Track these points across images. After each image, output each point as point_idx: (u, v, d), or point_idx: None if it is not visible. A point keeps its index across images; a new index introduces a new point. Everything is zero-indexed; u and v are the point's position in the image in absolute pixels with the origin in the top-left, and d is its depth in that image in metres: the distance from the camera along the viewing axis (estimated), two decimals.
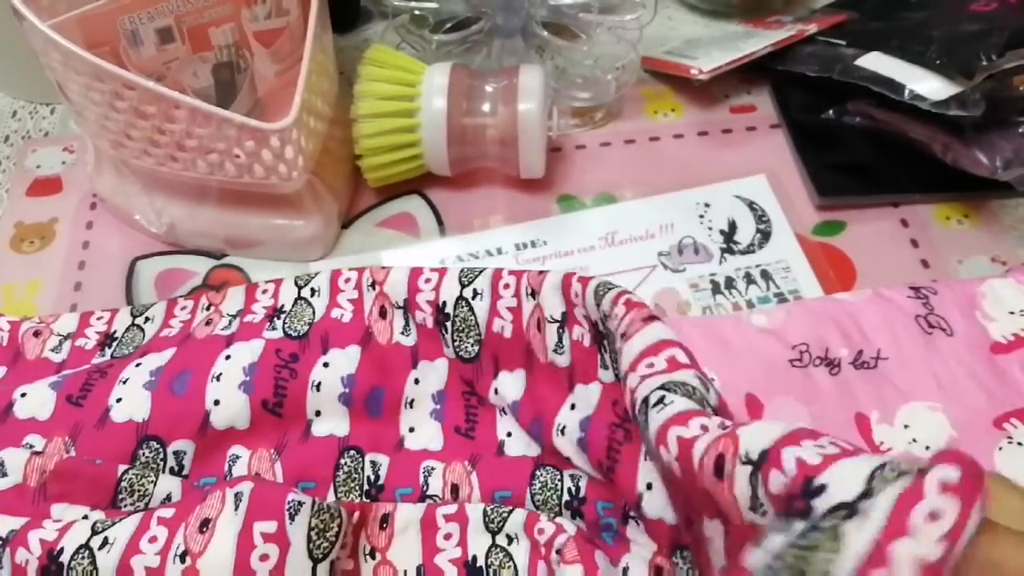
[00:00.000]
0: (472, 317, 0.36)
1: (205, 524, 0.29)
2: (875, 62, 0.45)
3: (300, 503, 0.29)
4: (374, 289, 0.38)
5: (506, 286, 0.36)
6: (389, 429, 0.36)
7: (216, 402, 0.34)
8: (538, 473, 0.34)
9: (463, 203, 0.47)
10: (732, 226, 0.45)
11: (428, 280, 0.37)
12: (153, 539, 0.29)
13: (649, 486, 0.30)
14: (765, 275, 0.42)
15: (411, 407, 0.36)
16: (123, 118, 0.38)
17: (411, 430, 0.36)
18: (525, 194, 0.47)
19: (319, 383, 0.35)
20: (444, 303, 0.37)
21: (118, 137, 0.40)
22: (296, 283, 0.39)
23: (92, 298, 0.43)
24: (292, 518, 0.29)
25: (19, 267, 0.45)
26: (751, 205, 0.46)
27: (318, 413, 0.35)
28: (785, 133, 0.49)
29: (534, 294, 0.35)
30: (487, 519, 0.32)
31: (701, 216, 0.45)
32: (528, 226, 0.45)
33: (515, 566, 0.31)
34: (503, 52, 0.50)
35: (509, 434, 0.35)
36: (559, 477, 0.34)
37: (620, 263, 0.43)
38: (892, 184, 0.46)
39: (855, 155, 0.47)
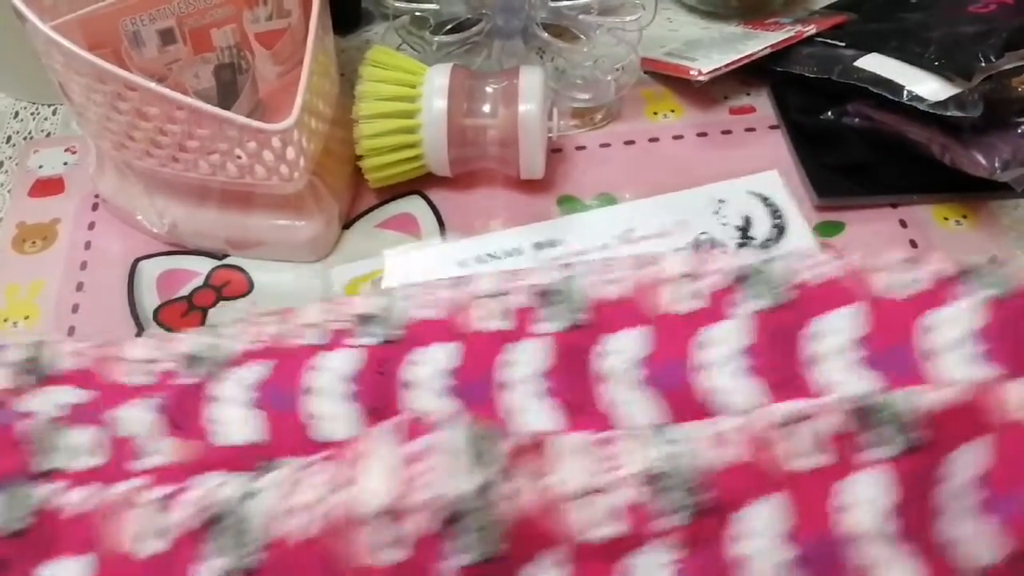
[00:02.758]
0: (573, 291, 0.37)
1: (358, 459, 0.29)
2: (874, 63, 0.45)
3: (454, 419, 0.29)
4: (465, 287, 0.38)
5: (615, 260, 0.38)
6: (493, 416, 0.35)
7: (319, 415, 0.34)
8: None
9: (464, 204, 0.47)
10: (747, 222, 0.45)
11: (518, 274, 0.38)
12: (310, 475, 0.29)
13: None
14: None
15: (510, 390, 0.35)
16: (125, 119, 0.38)
17: (515, 411, 0.35)
18: (525, 195, 0.47)
19: (415, 383, 0.35)
20: (545, 284, 0.38)
21: (120, 138, 0.40)
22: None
23: (94, 298, 0.43)
24: (448, 430, 0.29)
25: (21, 267, 0.45)
26: (765, 201, 0.46)
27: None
28: (784, 134, 0.49)
29: (647, 266, 0.37)
30: (644, 436, 0.31)
31: (716, 212, 0.45)
32: (545, 225, 0.45)
33: (691, 456, 0.30)
34: (503, 53, 0.50)
35: (619, 401, 0.35)
36: None
37: None
38: (891, 185, 0.46)
39: (854, 156, 0.47)
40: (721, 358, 0.34)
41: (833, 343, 0.34)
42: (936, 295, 0.33)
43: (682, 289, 0.36)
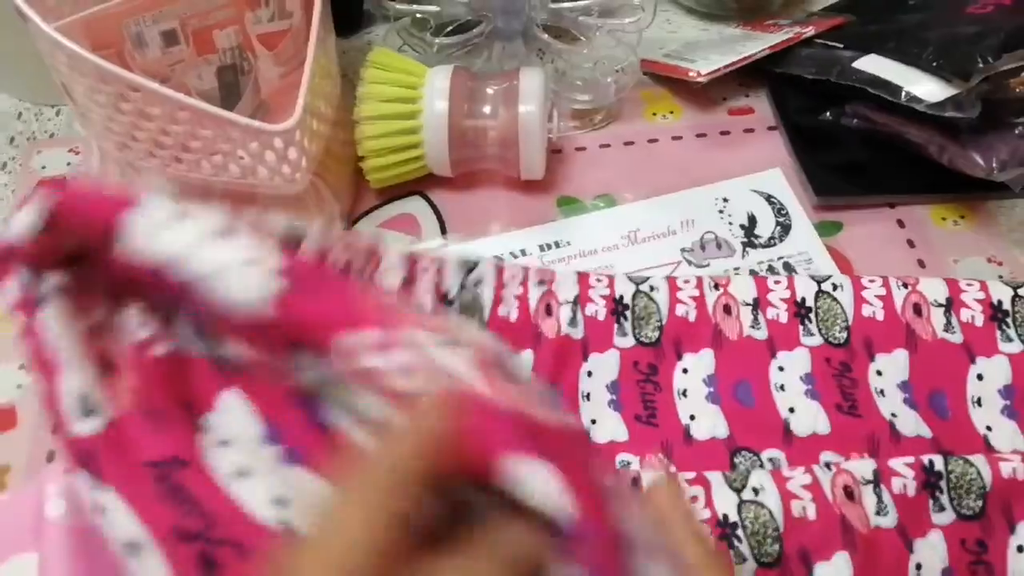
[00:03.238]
0: (653, 305, 0.38)
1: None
2: (872, 64, 0.46)
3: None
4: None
5: (686, 281, 0.39)
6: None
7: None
8: (737, 461, 0.34)
9: (464, 204, 0.47)
10: (752, 220, 0.45)
11: (600, 280, 0.39)
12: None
13: None
14: (788, 267, 0.43)
15: (588, 400, 0.36)
16: (128, 120, 0.39)
17: (593, 422, 0.36)
18: (526, 195, 0.47)
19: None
20: (621, 296, 0.38)
21: (123, 139, 0.40)
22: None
23: None
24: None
25: None
26: (768, 199, 0.46)
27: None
28: (783, 135, 0.50)
29: (717, 287, 0.38)
30: (729, 480, 0.33)
31: (720, 211, 0.46)
32: (550, 227, 0.46)
33: (769, 511, 0.31)
34: (504, 55, 0.50)
35: (692, 416, 0.36)
36: (759, 462, 0.34)
37: (644, 260, 0.44)
38: (889, 185, 0.46)
39: (852, 156, 0.47)
40: (789, 383, 0.36)
41: (889, 382, 0.36)
42: (982, 340, 0.36)
43: (749, 317, 0.38)
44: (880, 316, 0.37)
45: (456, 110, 0.44)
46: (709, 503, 0.32)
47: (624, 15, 0.50)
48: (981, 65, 0.41)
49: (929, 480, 0.32)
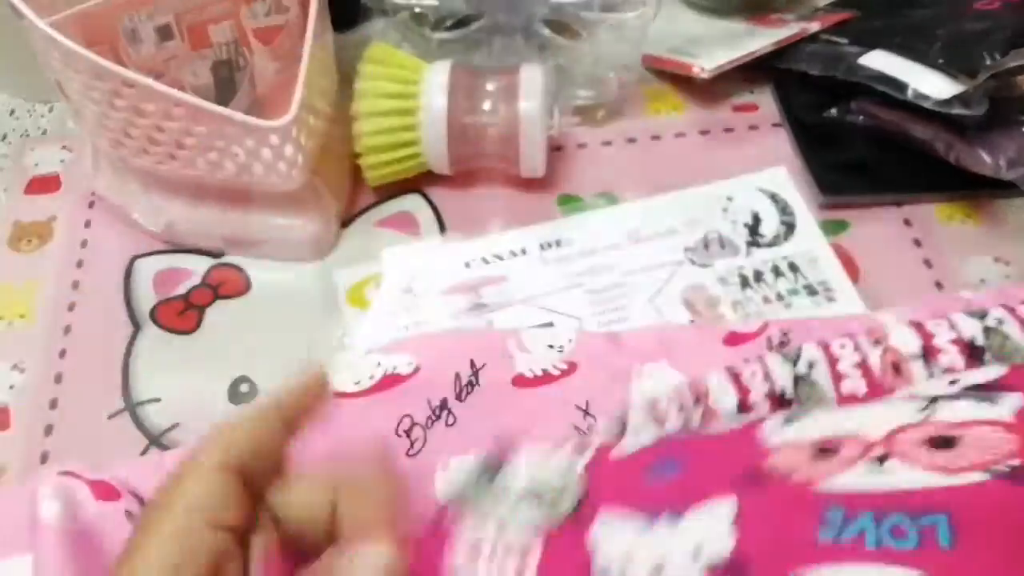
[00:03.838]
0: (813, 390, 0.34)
1: None
2: (878, 61, 0.45)
3: None
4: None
5: (842, 346, 0.34)
6: None
7: None
8: None
9: (464, 202, 0.46)
10: (756, 219, 0.44)
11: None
12: None
13: None
14: (792, 267, 0.42)
15: None
16: (122, 116, 0.38)
17: None
18: (526, 193, 0.47)
19: None
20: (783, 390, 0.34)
21: (117, 135, 0.39)
22: None
23: (90, 296, 0.43)
24: None
25: (17, 266, 0.45)
26: (773, 197, 0.45)
27: None
28: (787, 132, 0.49)
29: (879, 342, 0.34)
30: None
31: (724, 210, 0.45)
32: (550, 225, 0.45)
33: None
34: (504, 50, 0.50)
35: None
36: None
37: (646, 260, 0.43)
38: (895, 183, 0.45)
39: (858, 154, 0.47)
40: None
41: None
42: None
43: (922, 372, 0.33)
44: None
45: (455, 106, 0.43)
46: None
47: (627, 9, 0.49)
48: (988, 62, 0.40)
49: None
